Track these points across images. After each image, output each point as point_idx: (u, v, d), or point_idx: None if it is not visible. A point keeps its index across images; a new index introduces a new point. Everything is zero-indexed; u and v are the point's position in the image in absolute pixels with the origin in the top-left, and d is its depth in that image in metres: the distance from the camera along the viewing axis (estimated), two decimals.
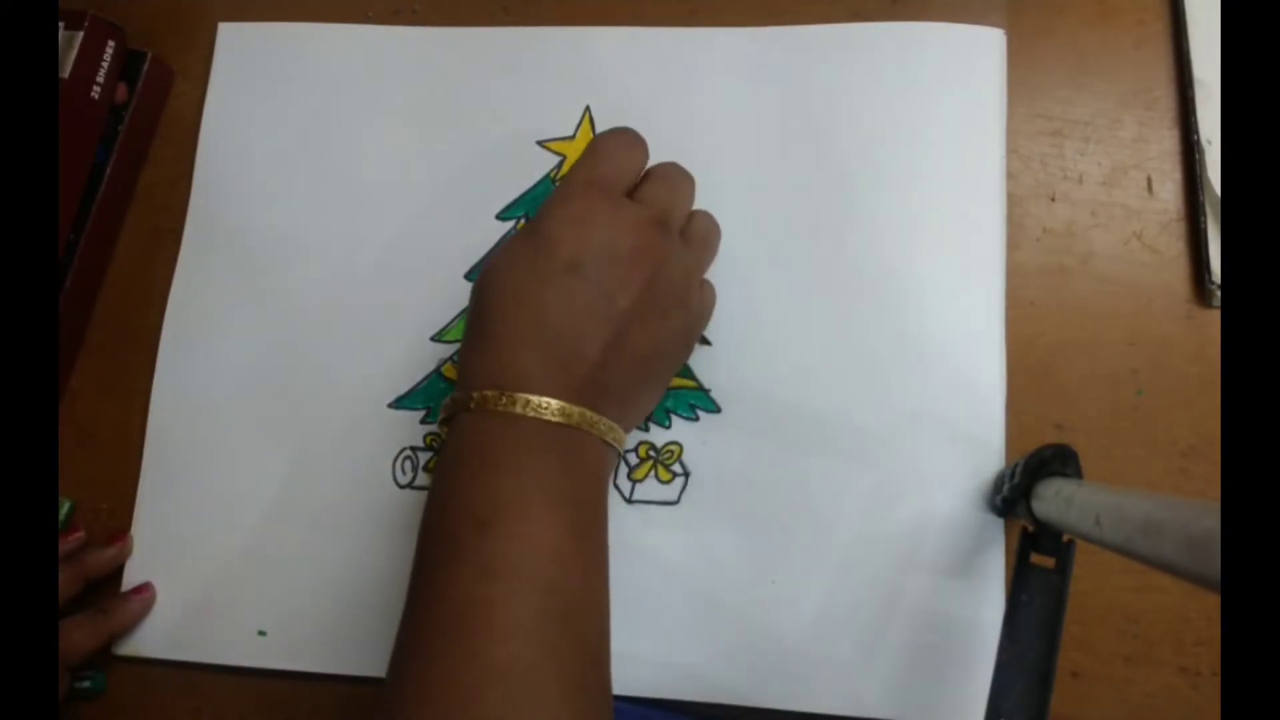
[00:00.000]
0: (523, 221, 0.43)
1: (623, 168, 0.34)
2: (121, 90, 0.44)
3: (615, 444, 0.32)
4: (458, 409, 0.30)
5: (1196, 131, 0.41)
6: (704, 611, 0.38)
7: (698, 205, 0.43)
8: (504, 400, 0.29)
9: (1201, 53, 0.42)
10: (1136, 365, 0.39)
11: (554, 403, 0.29)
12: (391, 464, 0.40)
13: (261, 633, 0.39)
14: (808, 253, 0.41)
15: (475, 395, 0.30)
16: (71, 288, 0.42)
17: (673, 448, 0.39)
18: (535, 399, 0.29)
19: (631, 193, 0.34)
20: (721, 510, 0.39)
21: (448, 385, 0.41)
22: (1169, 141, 0.42)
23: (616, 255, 0.31)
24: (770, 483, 0.39)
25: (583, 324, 0.30)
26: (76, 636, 0.37)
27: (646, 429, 0.40)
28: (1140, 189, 0.42)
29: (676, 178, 0.36)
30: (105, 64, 0.43)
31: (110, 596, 0.39)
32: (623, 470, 0.39)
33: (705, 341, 0.40)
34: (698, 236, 0.36)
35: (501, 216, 0.43)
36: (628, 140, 0.35)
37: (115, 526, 0.41)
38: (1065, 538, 0.32)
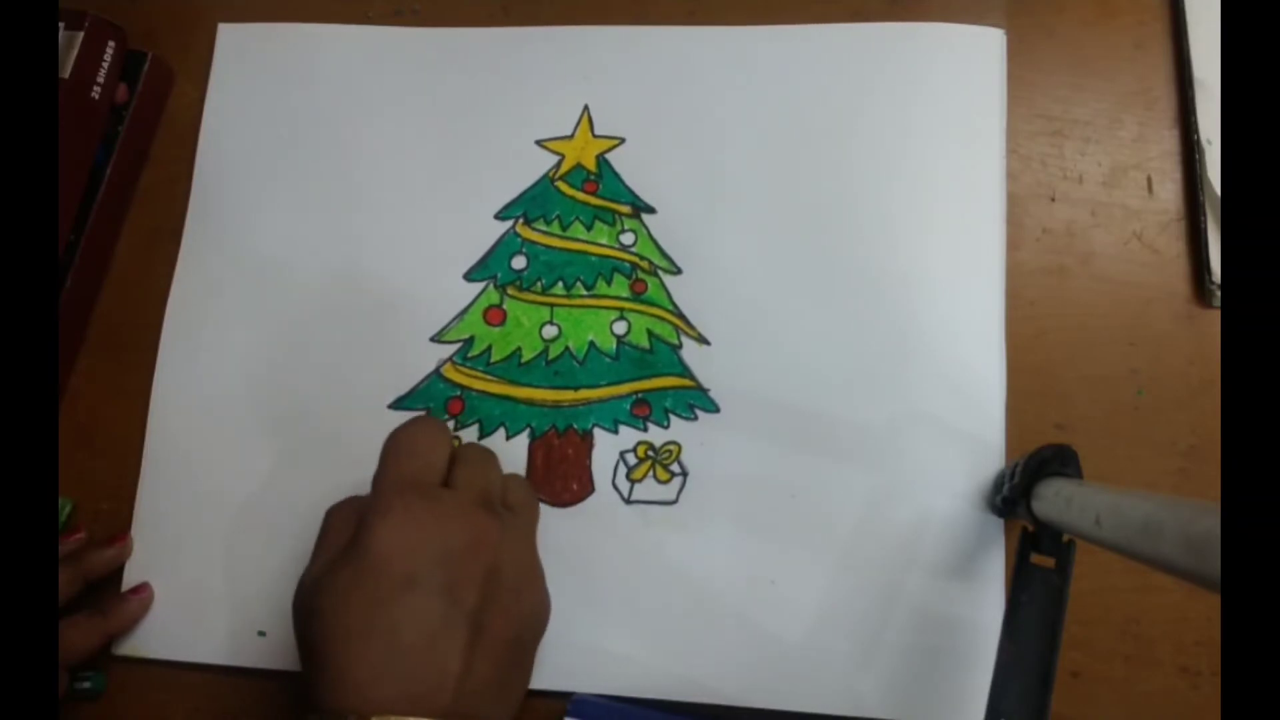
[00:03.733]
0: (520, 221, 0.43)
1: (428, 458, 0.32)
2: (122, 90, 0.44)
3: None
4: None
5: (1196, 131, 0.41)
6: (703, 612, 0.37)
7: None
8: None
9: (1201, 53, 0.42)
10: (1136, 365, 0.39)
11: None
12: None
13: (261, 633, 0.39)
14: (807, 252, 0.41)
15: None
16: (71, 288, 0.42)
17: (671, 447, 0.39)
18: None
19: (445, 481, 0.33)
20: (720, 510, 0.39)
21: (448, 385, 0.41)
22: (1169, 141, 0.42)
23: (452, 554, 0.29)
24: (769, 483, 0.39)
25: (436, 638, 0.28)
26: (75, 637, 0.37)
27: (645, 429, 0.40)
28: (1140, 189, 0.42)
29: (480, 456, 0.34)
30: (105, 64, 0.43)
31: (109, 597, 0.39)
32: (621, 470, 0.39)
33: (704, 341, 0.41)
34: (520, 502, 0.35)
35: (500, 216, 0.43)
36: (427, 430, 0.33)
37: (115, 526, 0.41)
38: (1065, 538, 0.32)
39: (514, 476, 0.36)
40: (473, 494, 0.32)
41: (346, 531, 0.31)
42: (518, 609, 0.31)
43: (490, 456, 0.35)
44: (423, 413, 0.40)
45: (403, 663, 0.28)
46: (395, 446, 0.33)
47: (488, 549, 0.30)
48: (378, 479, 0.32)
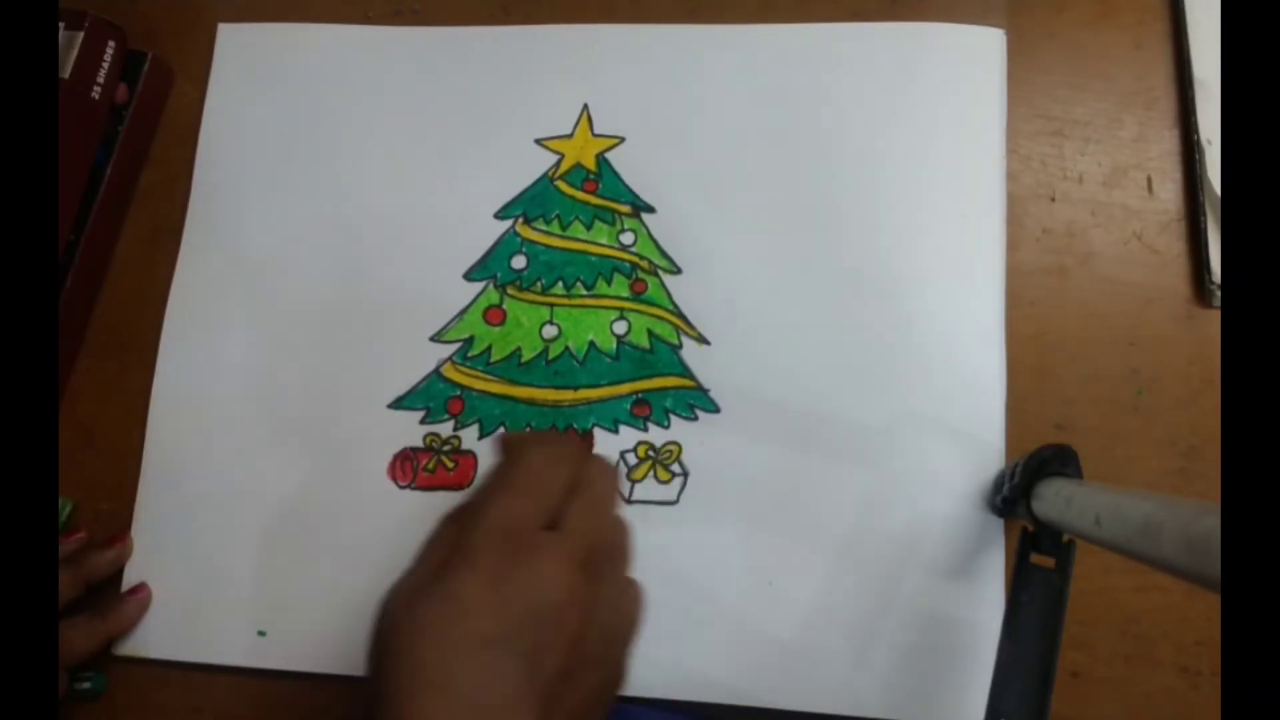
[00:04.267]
0: (520, 221, 0.43)
1: (540, 496, 0.29)
2: (122, 90, 0.44)
3: None
4: None
5: (1196, 131, 0.41)
6: (703, 611, 0.37)
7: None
8: None
9: (1201, 53, 0.42)
10: (1136, 365, 0.39)
11: None
12: (391, 464, 0.40)
13: (261, 633, 0.39)
14: (807, 252, 0.41)
15: None
16: (71, 288, 0.42)
17: (672, 448, 0.39)
18: None
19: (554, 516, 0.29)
20: (720, 510, 0.39)
21: (447, 385, 0.41)
22: (1169, 141, 0.42)
23: (540, 615, 0.27)
24: (769, 483, 0.39)
25: (508, 704, 0.26)
26: (75, 638, 0.37)
27: (645, 429, 0.40)
28: (1140, 189, 0.42)
29: (602, 494, 0.31)
30: (105, 64, 0.43)
31: (107, 599, 0.39)
32: (622, 470, 0.39)
33: (704, 341, 0.41)
34: (619, 554, 0.31)
35: (500, 215, 0.43)
36: (547, 462, 0.30)
37: (115, 526, 0.41)
38: (1065, 538, 0.32)
39: (620, 523, 0.32)
40: (578, 545, 0.28)
41: (443, 554, 0.28)
42: (596, 676, 0.28)
43: (612, 493, 0.31)
44: (549, 431, 0.33)
45: None
46: (506, 478, 0.29)
47: (576, 614, 0.27)
48: (479, 508, 0.28)
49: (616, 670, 0.30)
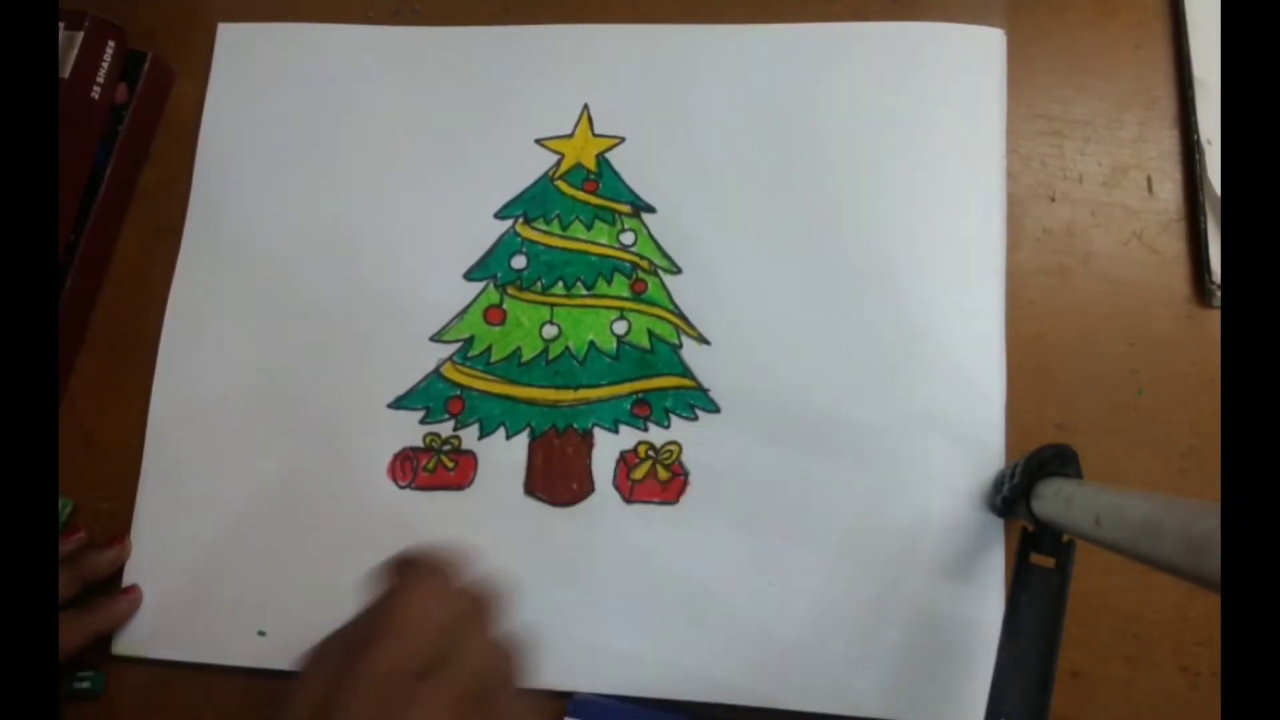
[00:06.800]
0: (520, 220, 0.43)
1: (421, 639, 0.26)
2: (122, 90, 0.44)
3: None
4: None
5: (1196, 131, 0.41)
6: (702, 611, 0.37)
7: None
8: None
9: (1201, 53, 0.42)
10: (1136, 365, 0.39)
11: None
12: (391, 464, 0.40)
13: (261, 633, 0.39)
14: (807, 252, 0.41)
15: None
16: (71, 288, 0.42)
17: (672, 448, 0.39)
18: None
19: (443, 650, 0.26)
20: (720, 510, 0.39)
21: (447, 385, 0.41)
22: (1169, 141, 0.42)
23: None
24: (769, 482, 0.39)
25: None
26: (61, 634, 0.37)
27: (645, 429, 0.40)
28: (1140, 189, 0.42)
29: (481, 618, 0.28)
30: (105, 64, 0.43)
31: (96, 595, 0.39)
32: (622, 470, 0.39)
33: (704, 341, 0.41)
34: (507, 685, 0.28)
35: (500, 215, 0.43)
36: (428, 598, 0.27)
37: (115, 526, 0.41)
38: (1065, 538, 0.32)
39: (501, 653, 0.28)
40: (464, 684, 0.26)
41: (312, 706, 0.26)
42: None
43: (488, 617, 0.28)
44: (427, 553, 0.29)
45: None
46: (382, 622, 0.26)
47: None
48: (351, 656, 0.26)
49: None
